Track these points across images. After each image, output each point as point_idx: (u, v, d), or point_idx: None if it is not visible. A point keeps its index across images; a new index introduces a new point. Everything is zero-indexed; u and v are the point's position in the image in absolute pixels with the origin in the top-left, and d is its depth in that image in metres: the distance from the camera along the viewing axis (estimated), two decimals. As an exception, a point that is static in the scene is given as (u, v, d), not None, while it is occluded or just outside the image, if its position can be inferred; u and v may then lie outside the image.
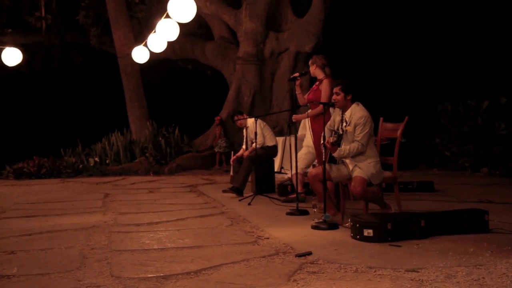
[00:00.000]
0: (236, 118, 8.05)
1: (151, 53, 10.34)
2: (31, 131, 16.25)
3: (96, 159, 12.31)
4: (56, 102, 17.03)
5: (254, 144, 7.41)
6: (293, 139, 6.43)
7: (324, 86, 5.94)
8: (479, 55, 13.29)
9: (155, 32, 9.04)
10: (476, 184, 8.26)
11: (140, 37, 10.38)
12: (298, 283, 3.16)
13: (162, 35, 8.81)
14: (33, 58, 16.43)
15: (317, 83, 6.16)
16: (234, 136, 12.78)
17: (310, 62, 6.22)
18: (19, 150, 12.85)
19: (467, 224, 4.46)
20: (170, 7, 7.49)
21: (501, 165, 9.53)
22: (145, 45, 10.00)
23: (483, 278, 3.14)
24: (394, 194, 5.37)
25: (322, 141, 5.05)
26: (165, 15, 8.33)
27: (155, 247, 4.25)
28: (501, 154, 9.63)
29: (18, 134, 15.87)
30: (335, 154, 4.89)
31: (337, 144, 4.86)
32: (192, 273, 3.43)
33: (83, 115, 16.73)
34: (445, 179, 8.79)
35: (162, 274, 3.40)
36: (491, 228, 4.52)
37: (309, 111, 6.13)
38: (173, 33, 8.66)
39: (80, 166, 11.94)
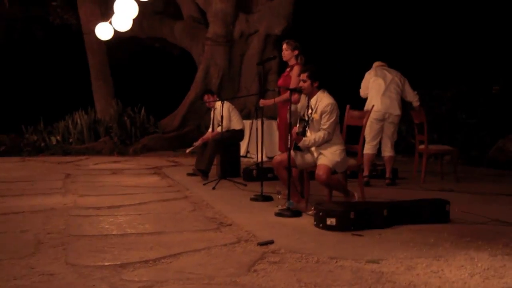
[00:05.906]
0: (206, 97, 7.87)
1: (117, 31, 10.05)
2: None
3: (59, 137, 11.96)
4: (18, 78, 16.47)
5: (219, 128, 7.33)
6: (259, 123, 6.36)
7: (294, 73, 5.88)
8: (445, 44, 13.44)
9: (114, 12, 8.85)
10: (438, 172, 8.38)
11: (106, 15, 10.08)
12: (258, 274, 3.11)
13: (123, 13, 8.64)
14: (-7, 31, 15.83)
15: (288, 69, 6.10)
16: (201, 118, 12.59)
17: (284, 43, 6.11)
18: (-23, 127, 12.39)
19: (429, 214, 4.52)
20: None
21: (463, 154, 9.70)
22: (110, 23, 9.74)
23: (442, 270, 3.16)
24: (357, 181, 5.39)
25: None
26: None
27: (114, 232, 4.15)
28: (463, 143, 9.80)
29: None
30: (300, 144, 4.85)
31: (302, 134, 4.82)
32: (150, 262, 3.34)
33: (46, 92, 16.21)
34: (409, 167, 8.88)
35: (119, 262, 3.31)
36: (452, 218, 4.58)
37: (276, 97, 6.08)
38: (132, 11, 8.49)
39: (42, 144, 11.60)
